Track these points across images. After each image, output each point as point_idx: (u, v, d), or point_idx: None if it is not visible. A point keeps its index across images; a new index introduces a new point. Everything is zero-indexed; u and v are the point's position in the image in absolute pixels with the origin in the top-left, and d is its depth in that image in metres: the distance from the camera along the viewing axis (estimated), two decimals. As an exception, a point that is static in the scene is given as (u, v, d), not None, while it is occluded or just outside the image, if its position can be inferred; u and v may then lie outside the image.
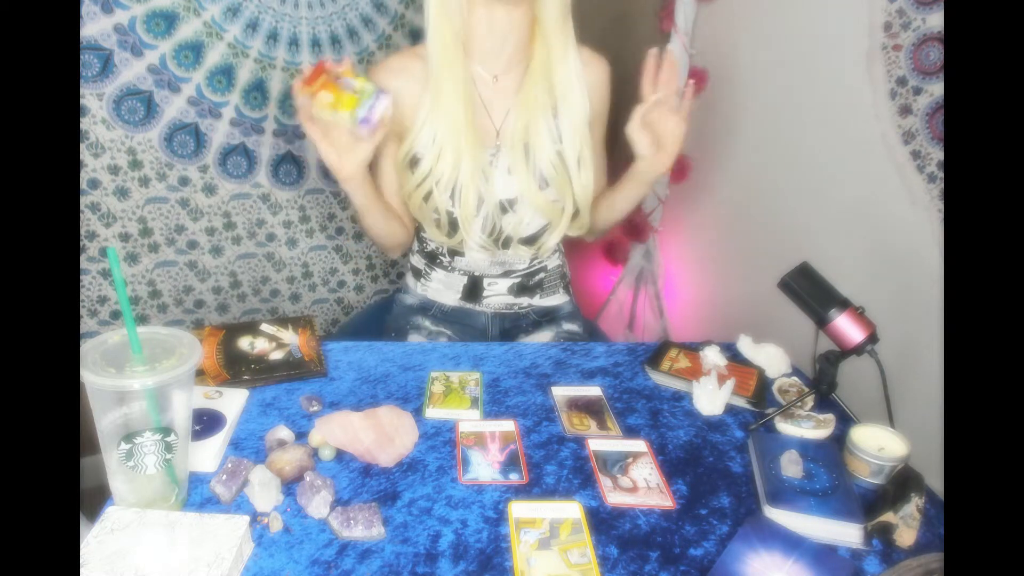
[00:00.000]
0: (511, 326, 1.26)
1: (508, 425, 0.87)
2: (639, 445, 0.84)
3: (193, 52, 1.58)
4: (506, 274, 1.21)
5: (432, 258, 1.23)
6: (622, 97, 1.20)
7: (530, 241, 1.15)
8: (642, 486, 0.77)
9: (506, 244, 1.14)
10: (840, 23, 1.28)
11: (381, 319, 1.32)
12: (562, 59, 1.06)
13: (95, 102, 1.51)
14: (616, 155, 1.25)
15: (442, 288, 1.24)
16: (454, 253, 1.19)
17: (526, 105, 1.08)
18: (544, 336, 1.25)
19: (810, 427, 0.87)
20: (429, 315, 1.25)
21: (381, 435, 0.78)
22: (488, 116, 1.11)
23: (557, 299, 1.29)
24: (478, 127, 1.08)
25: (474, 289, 1.22)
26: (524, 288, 1.23)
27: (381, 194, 1.15)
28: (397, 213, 1.18)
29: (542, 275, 1.24)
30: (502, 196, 1.10)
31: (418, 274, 1.26)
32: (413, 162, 1.08)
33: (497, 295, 1.22)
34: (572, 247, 1.33)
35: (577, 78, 1.08)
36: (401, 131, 1.10)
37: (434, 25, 1.02)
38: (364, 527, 0.66)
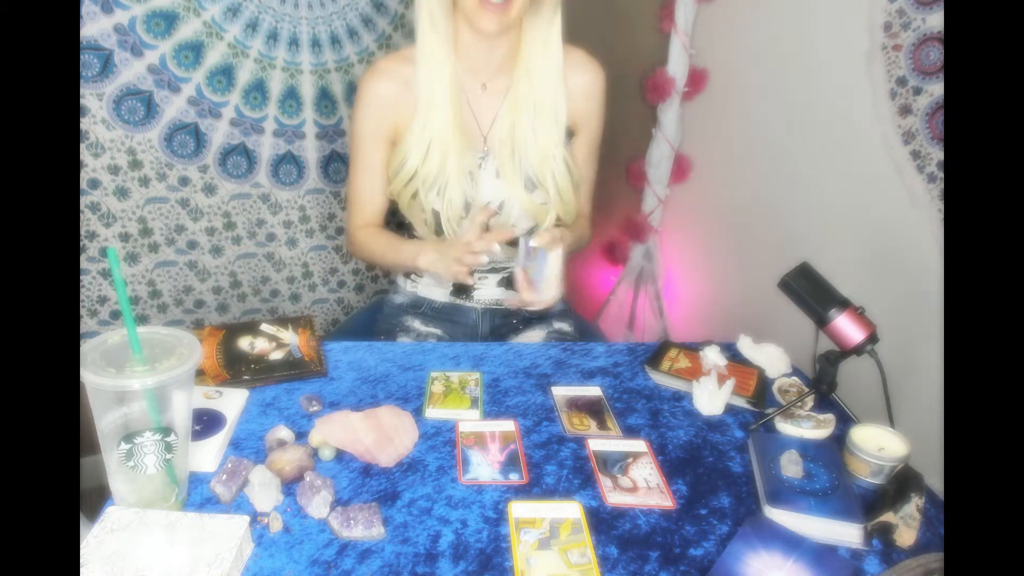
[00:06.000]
0: (501, 323, 1.26)
1: (508, 425, 0.87)
2: (639, 445, 0.84)
3: (193, 52, 1.58)
4: (495, 270, 1.22)
5: None
6: (622, 97, 1.20)
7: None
8: (642, 486, 0.77)
9: None
10: (840, 23, 1.28)
11: (379, 319, 1.32)
12: (543, 55, 1.07)
13: (95, 102, 1.51)
14: (616, 158, 1.25)
15: (433, 283, 1.24)
16: None
17: (513, 109, 1.10)
18: (535, 335, 1.24)
19: (810, 427, 0.87)
20: (419, 313, 1.25)
21: (381, 435, 0.78)
22: (475, 121, 1.12)
23: None
24: (466, 132, 1.10)
25: (464, 284, 1.21)
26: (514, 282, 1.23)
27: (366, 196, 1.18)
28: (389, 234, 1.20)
29: None
30: (490, 198, 1.11)
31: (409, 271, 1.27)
32: (401, 163, 1.10)
33: (487, 288, 1.23)
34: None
35: (555, 77, 1.08)
36: (391, 134, 1.12)
37: (422, 32, 1.04)
38: (364, 527, 0.66)
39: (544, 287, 1.03)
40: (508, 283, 1.23)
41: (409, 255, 1.10)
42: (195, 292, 1.81)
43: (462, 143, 1.07)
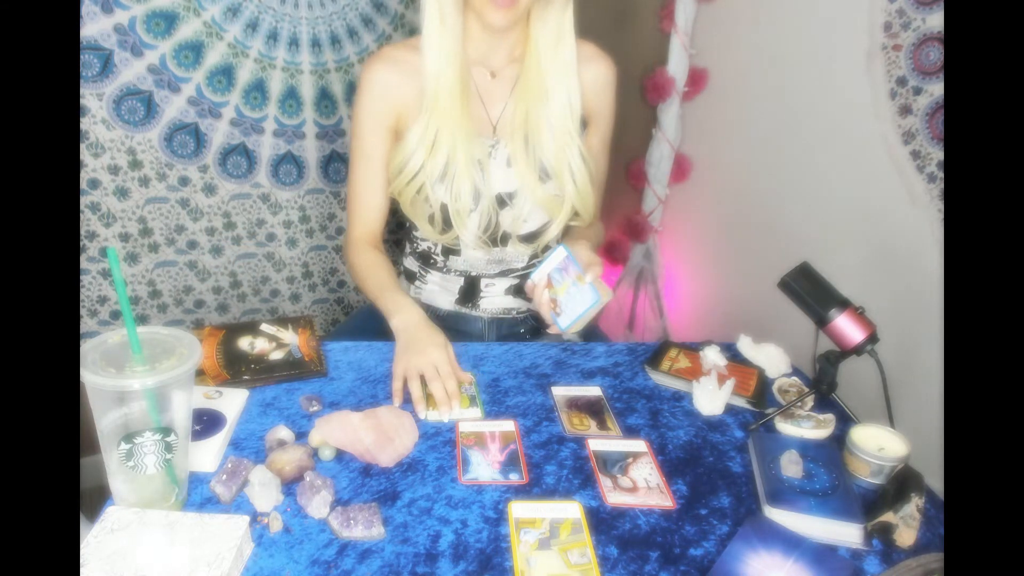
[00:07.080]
0: (508, 332, 1.23)
1: (508, 425, 0.87)
2: (639, 445, 0.84)
3: (193, 52, 1.58)
4: (504, 274, 1.18)
5: (425, 259, 1.20)
6: (622, 97, 1.20)
7: (529, 239, 1.13)
8: (642, 486, 0.77)
9: (503, 241, 1.12)
10: (840, 23, 1.28)
11: (379, 319, 1.29)
12: (554, 44, 1.05)
13: (95, 102, 1.51)
14: (617, 158, 1.25)
15: (437, 290, 1.21)
16: (449, 252, 1.16)
17: (524, 96, 1.08)
18: None
19: (810, 427, 0.87)
20: None
21: (381, 435, 0.78)
22: (485, 110, 1.10)
23: None
24: (475, 120, 1.08)
25: (471, 291, 1.19)
26: (523, 290, 1.19)
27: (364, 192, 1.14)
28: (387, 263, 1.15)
29: None
30: (500, 189, 1.08)
31: (412, 277, 1.24)
32: (406, 157, 1.07)
33: (495, 296, 1.20)
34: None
35: (568, 66, 1.07)
36: (393, 123, 1.10)
37: (429, 22, 1.03)
38: (364, 527, 0.66)
39: (568, 319, 0.96)
40: (517, 291, 1.20)
41: (388, 307, 1.04)
42: (195, 292, 1.81)
43: (471, 131, 1.05)
